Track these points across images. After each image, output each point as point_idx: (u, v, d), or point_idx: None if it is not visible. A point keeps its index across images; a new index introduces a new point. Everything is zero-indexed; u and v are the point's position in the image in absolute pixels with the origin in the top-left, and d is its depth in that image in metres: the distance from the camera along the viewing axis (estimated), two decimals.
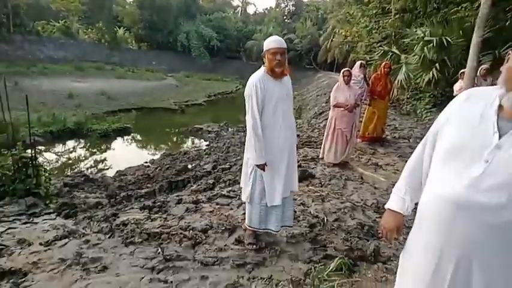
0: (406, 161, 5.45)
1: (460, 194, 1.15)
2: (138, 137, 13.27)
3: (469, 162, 1.16)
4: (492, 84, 6.43)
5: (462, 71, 7.18)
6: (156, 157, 9.74)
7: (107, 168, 9.28)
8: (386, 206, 1.58)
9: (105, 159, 10.18)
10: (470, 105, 1.26)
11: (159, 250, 2.85)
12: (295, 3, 53.82)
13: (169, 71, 37.12)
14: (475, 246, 1.14)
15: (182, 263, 2.73)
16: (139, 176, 7.15)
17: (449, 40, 8.91)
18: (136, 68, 33.63)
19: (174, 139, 13.63)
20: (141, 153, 11.18)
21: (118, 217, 3.50)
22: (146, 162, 8.84)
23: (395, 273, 2.87)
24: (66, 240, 3.05)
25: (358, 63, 6.86)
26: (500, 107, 1.17)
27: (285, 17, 54.05)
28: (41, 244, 2.99)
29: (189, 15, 45.31)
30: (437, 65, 9.20)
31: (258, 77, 2.70)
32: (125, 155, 10.56)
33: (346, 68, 5.91)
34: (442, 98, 10.45)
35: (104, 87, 20.17)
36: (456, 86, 6.67)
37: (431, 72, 9.25)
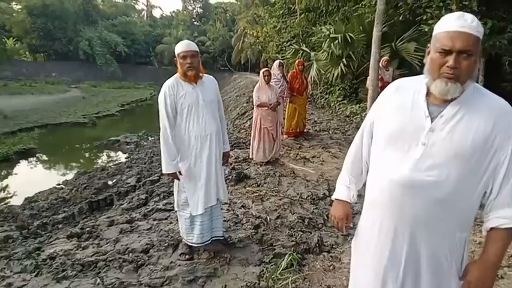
0: (330, 152, 5.74)
1: (406, 176, 1.25)
2: (46, 158, 11.92)
3: (409, 145, 1.26)
4: (393, 73, 7.18)
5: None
6: (69, 177, 8.86)
7: (12, 196, 8.18)
8: (333, 197, 1.64)
9: (8, 187, 8.95)
10: (401, 94, 1.36)
11: (98, 280, 2.57)
12: (203, 5, 53.65)
13: (73, 82, 34.25)
14: (422, 220, 1.26)
15: None
16: (53, 200, 6.43)
17: (352, 36, 9.69)
18: (34, 82, 30.33)
19: (87, 155, 12.53)
20: (51, 175, 10.07)
21: (43, 251, 3.06)
22: (59, 184, 8.00)
23: (340, 260, 3.04)
24: None
25: (276, 62, 7.07)
26: (428, 93, 1.28)
27: (193, 20, 53.53)
28: None
29: (90, 21, 42.23)
30: (344, 60, 9.94)
31: (168, 83, 2.66)
32: (32, 179, 9.39)
33: (266, 68, 6.05)
34: (351, 90, 11.35)
35: None
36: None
37: (339, 67, 9.94)
